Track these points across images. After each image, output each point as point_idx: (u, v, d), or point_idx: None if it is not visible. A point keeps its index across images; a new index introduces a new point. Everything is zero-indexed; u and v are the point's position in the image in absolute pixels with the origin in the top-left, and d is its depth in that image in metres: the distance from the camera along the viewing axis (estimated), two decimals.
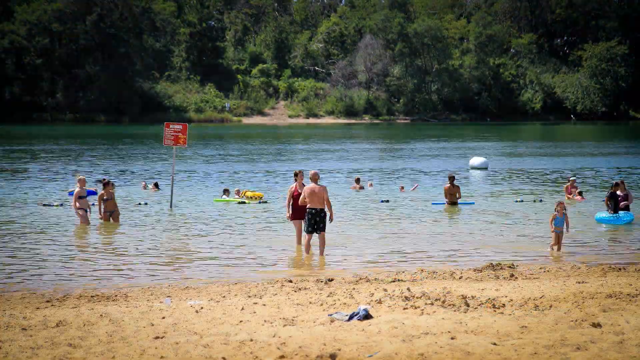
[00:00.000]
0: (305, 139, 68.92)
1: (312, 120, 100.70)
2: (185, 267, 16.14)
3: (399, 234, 19.97)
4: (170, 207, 24.44)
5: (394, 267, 15.88)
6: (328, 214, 16.76)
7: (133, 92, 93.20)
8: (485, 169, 38.56)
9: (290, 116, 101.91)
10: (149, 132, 69.75)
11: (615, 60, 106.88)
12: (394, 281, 13.89)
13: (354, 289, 12.63)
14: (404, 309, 10.44)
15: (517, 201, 25.74)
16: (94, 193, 26.87)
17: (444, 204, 25.11)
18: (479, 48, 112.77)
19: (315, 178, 16.70)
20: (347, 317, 9.82)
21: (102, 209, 20.90)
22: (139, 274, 15.18)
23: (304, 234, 16.99)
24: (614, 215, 21.13)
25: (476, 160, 39.50)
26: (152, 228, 20.79)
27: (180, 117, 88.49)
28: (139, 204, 24.57)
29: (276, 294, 12.69)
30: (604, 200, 22.38)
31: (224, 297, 12.50)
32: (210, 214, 23.36)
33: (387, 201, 25.35)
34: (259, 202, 24.85)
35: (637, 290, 11.48)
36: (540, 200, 25.77)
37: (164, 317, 10.17)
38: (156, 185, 29.22)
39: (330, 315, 10.03)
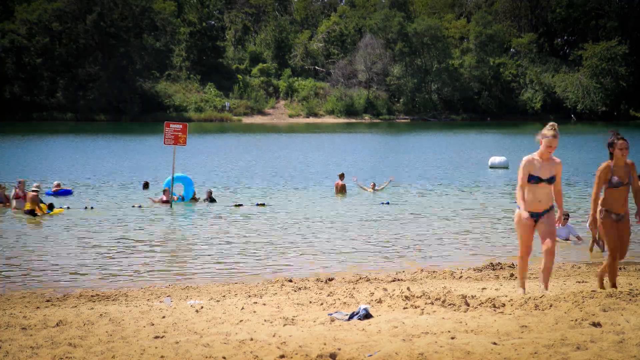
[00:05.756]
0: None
1: (312, 120, 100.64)
2: (186, 266, 16.15)
3: (399, 233, 19.98)
4: (170, 206, 24.46)
5: (394, 267, 15.89)
6: None
7: (133, 92, 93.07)
8: (506, 167, 38.46)
9: (290, 116, 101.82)
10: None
11: (616, 59, 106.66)
12: (394, 280, 13.90)
13: (354, 288, 12.63)
14: (404, 308, 10.44)
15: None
16: (70, 192, 27.17)
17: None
18: (479, 48, 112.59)
19: None
20: (347, 317, 9.81)
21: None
22: (139, 274, 15.19)
23: None
24: None
25: (496, 159, 39.51)
26: (152, 227, 20.80)
27: (180, 116, 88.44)
28: (140, 206, 24.56)
29: (276, 293, 12.69)
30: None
31: (224, 296, 12.51)
32: (210, 213, 23.36)
33: (388, 203, 25.26)
34: (256, 205, 24.80)
35: (637, 289, 11.48)
36: None
37: (164, 317, 10.16)
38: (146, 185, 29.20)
39: (331, 314, 10.03)
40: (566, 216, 18.57)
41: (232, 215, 22.80)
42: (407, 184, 31.49)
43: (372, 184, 28.88)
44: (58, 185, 27.54)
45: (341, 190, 27.88)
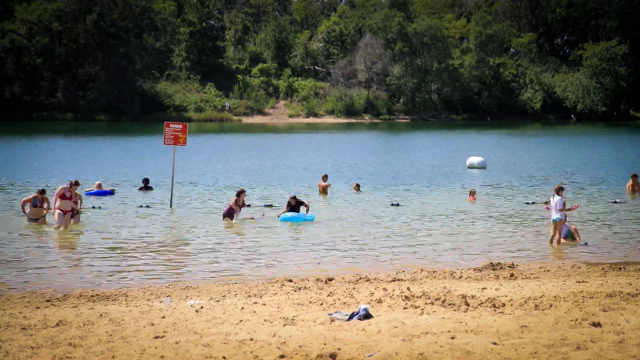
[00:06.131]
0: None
1: (312, 120, 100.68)
2: (186, 266, 16.15)
3: (399, 233, 19.97)
4: (170, 206, 24.46)
5: (394, 267, 15.89)
6: None
7: (133, 92, 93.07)
8: (484, 168, 38.50)
9: (290, 115, 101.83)
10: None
11: (616, 59, 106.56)
12: (394, 280, 13.90)
13: (354, 288, 12.63)
14: (404, 308, 10.44)
15: (527, 203, 25.50)
16: (110, 192, 27.19)
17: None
18: (479, 47, 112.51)
19: None
20: (347, 317, 9.82)
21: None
22: (139, 274, 15.18)
23: None
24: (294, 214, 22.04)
25: (475, 160, 39.50)
26: (152, 227, 20.79)
27: (180, 116, 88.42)
28: (141, 206, 24.54)
29: (276, 293, 12.70)
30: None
31: (224, 296, 12.51)
32: (210, 213, 23.35)
33: (398, 205, 25.13)
34: (265, 206, 24.73)
35: (637, 289, 11.48)
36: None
37: (164, 317, 10.16)
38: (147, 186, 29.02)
39: (330, 314, 10.03)
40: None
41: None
42: (406, 185, 31.49)
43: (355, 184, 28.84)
44: (99, 185, 27.57)
45: (323, 191, 27.96)
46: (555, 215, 18.17)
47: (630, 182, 28.50)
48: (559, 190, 18.40)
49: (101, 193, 27.12)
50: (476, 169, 38.22)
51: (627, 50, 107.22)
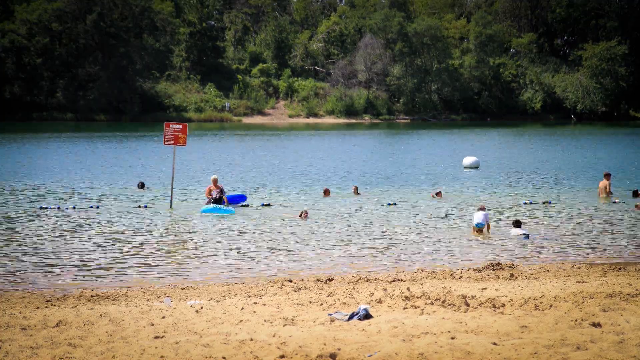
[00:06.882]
0: None
1: (312, 120, 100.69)
2: (186, 266, 16.15)
3: (399, 234, 19.97)
4: (170, 206, 24.47)
5: (393, 267, 15.89)
6: None
7: (133, 92, 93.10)
8: (477, 168, 38.55)
9: (290, 116, 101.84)
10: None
11: (616, 60, 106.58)
12: (393, 281, 13.90)
13: (354, 288, 12.63)
14: (404, 308, 10.44)
15: (525, 203, 25.52)
16: (243, 198, 25.63)
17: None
18: (479, 48, 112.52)
19: None
20: (347, 317, 9.82)
21: None
22: (139, 274, 15.18)
23: None
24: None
25: (468, 160, 39.56)
26: (152, 227, 20.79)
27: (180, 116, 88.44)
28: (139, 206, 24.55)
29: (276, 293, 12.70)
30: None
31: (224, 296, 12.51)
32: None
33: (395, 204, 25.14)
34: (262, 205, 24.72)
35: (636, 290, 11.49)
36: (550, 202, 25.58)
37: (164, 317, 10.17)
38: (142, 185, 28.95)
39: (330, 314, 10.04)
40: (518, 223, 20.02)
41: (234, 215, 22.79)
42: (405, 185, 31.49)
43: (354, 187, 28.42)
44: (215, 180, 24.99)
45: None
46: (477, 221, 19.57)
47: (605, 181, 26.84)
48: (481, 210, 19.90)
49: (237, 199, 25.40)
50: (471, 169, 38.20)
51: (627, 51, 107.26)
